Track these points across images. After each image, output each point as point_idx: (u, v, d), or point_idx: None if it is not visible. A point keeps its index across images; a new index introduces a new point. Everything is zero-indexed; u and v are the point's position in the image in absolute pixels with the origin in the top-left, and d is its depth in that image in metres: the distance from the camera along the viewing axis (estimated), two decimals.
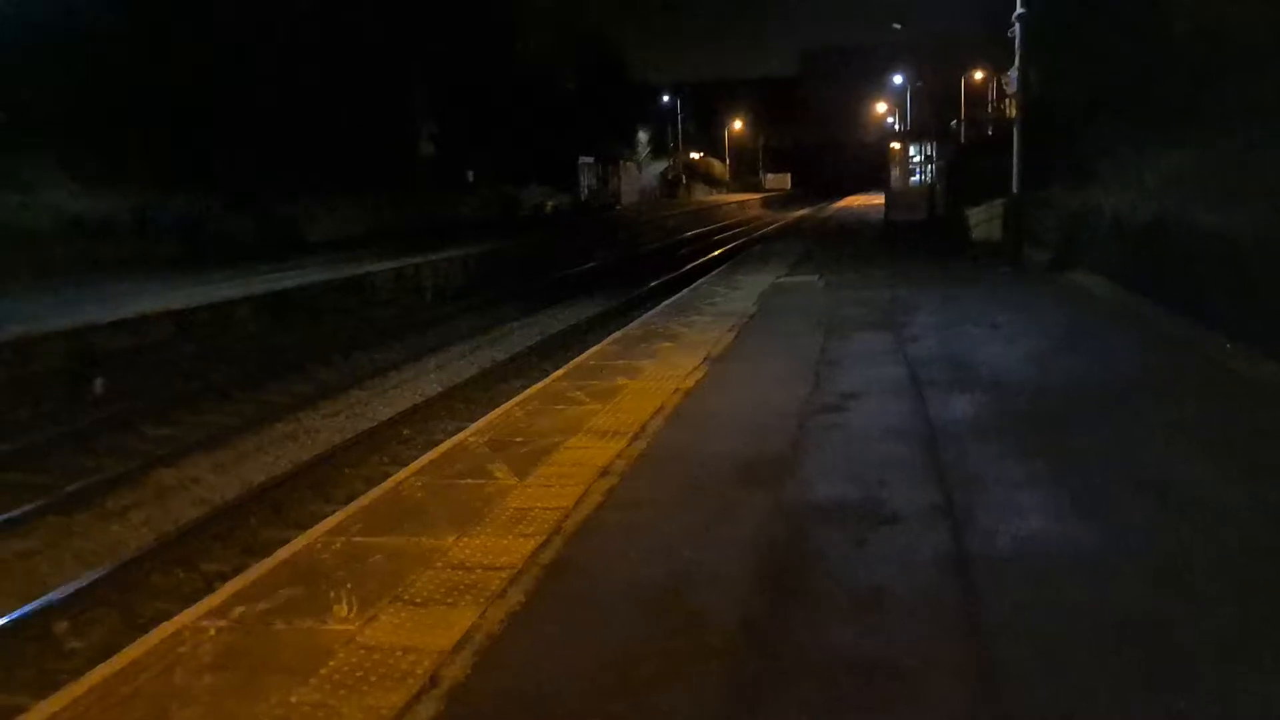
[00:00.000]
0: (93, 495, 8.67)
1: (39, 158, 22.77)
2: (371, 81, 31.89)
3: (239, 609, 4.25)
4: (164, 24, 25.65)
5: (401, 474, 6.23)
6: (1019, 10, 15.19)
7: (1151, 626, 3.68)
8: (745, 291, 14.94)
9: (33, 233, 20.75)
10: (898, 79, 56.92)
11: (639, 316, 13.72)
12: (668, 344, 10.45)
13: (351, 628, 4.01)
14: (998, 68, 41.07)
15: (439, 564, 4.63)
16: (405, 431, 10.69)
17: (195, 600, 6.52)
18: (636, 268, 27.43)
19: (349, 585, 4.43)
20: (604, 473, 5.92)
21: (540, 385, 8.79)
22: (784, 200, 77.59)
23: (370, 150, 32.02)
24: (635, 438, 6.68)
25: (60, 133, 22.99)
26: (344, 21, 30.79)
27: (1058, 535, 4.58)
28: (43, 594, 6.59)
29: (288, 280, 17.81)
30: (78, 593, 6.60)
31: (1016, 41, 15.41)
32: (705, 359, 9.45)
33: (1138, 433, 6.28)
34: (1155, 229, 10.88)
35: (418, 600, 4.25)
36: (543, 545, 4.80)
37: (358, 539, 5.03)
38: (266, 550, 7.46)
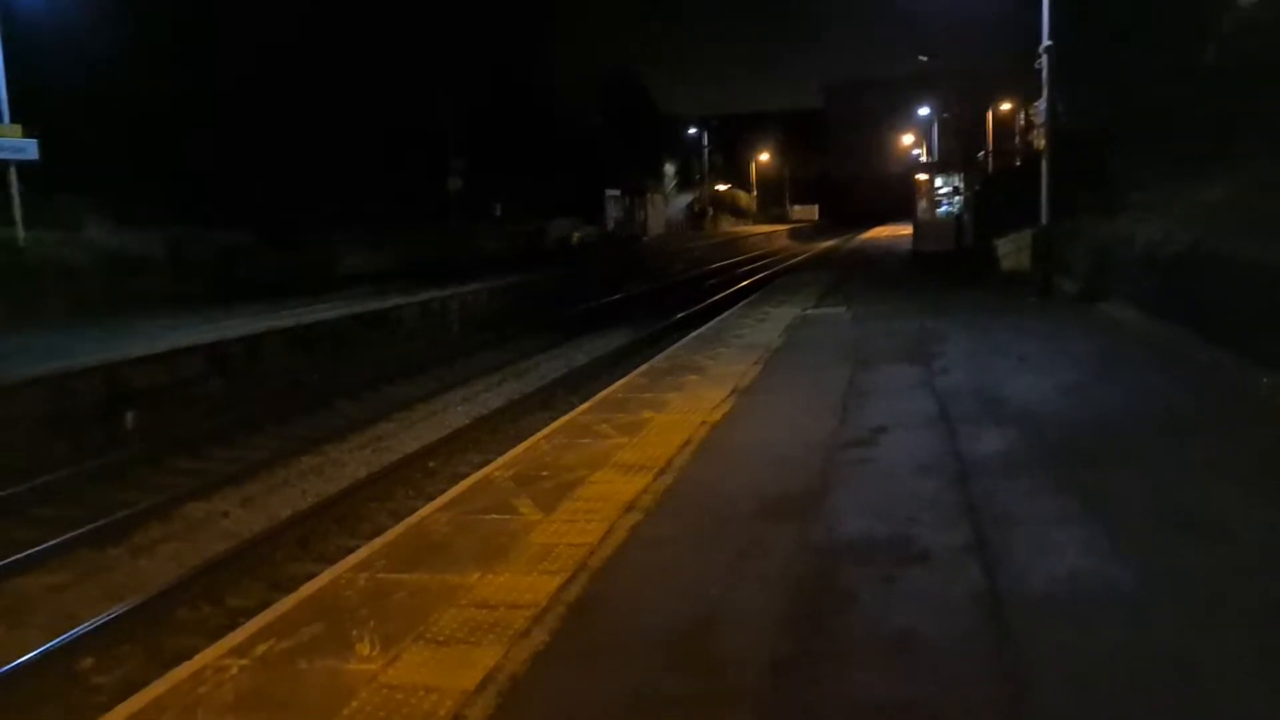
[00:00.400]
0: (123, 529, 8.73)
1: (78, 196, 23.21)
2: (401, 117, 32.34)
3: (262, 646, 4.24)
4: (202, 64, 26.18)
5: (426, 509, 6.21)
6: (1046, 42, 15.16)
7: (1191, 672, 3.57)
8: (772, 323, 14.89)
9: (70, 268, 21.07)
10: (923, 110, 56.92)
11: (665, 349, 13.68)
12: (694, 377, 10.41)
13: (374, 667, 3.97)
14: (1025, 99, 41.01)
15: (463, 601, 4.60)
16: (431, 464, 10.70)
17: (220, 636, 6.58)
18: (663, 299, 27.45)
19: (372, 623, 4.40)
20: (630, 508, 5.87)
21: (566, 418, 8.78)
22: (811, 231, 77.60)
23: (400, 185, 32.40)
24: (661, 472, 6.64)
25: (99, 171, 23.43)
26: (376, 58, 31.29)
27: (1093, 575, 4.47)
28: (70, 628, 6.61)
29: (317, 314, 17.96)
30: (104, 627, 6.62)
31: (1044, 72, 15.36)
32: (732, 392, 9.40)
33: (1173, 468, 6.14)
34: (1189, 259, 10.73)
35: (441, 639, 4.22)
36: (568, 583, 4.75)
37: (381, 575, 5.01)
38: (292, 585, 7.46)
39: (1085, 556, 4.69)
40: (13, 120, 19.27)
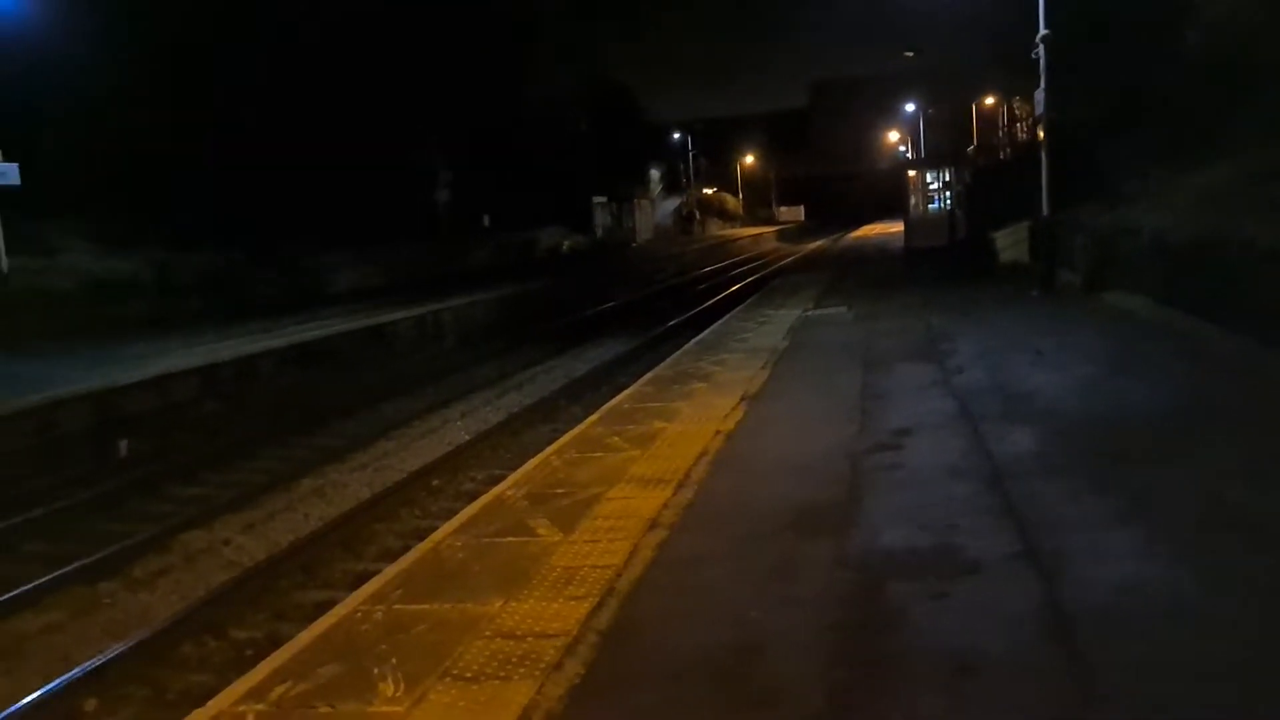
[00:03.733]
0: (120, 562, 8.41)
1: (62, 221, 22.86)
2: (388, 131, 32.05)
3: (278, 689, 3.96)
4: (186, 83, 25.85)
5: (439, 533, 5.93)
6: (1043, 32, 14.98)
7: None
8: (773, 326, 14.66)
9: (55, 295, 20.74)
10: (909, 107, 56.87)
11: (663, 355, 13.44)
12: (701, 384, 10.17)
13: (399, 709, 3.70)
14: (1007, 92, 40.96)
15: (487, 632, 4.33)
16: (435, 482, 10.43)
17: (226, 671, 6.29)
18: (656, 305, 27.23)
19: (393, 660, 4.12)
20: (653, 525, 5.62)
21: (575, 431, 8.51)
22: (799, 232, 77.57)
23: (388, 199, 32.10)
24: (680, 486, 6.38)
25: (83, 195, 23.09)
26: (361, 73, 31.01)
27: (1157, 583, 4.21)
28: (68, 670, 6.32)
29: (309, 332, 17.66)
30: (105, 667, 6.32)
31: (1041, 63, 15.18)
32: (742, 398, 9.15)
33: (1214, 464, 5.91)
34: (1203, 246, 10.53)
35: (468, 675, 3.95)
36: (596, 608, 4.49)
37: (399, 607, 4.73)
38: (298, 614, 7.21)
39: (1143, 563, 4.45)
40: None
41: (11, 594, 7.61)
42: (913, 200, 30.42)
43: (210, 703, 3.96)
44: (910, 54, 39.02)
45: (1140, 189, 15.07)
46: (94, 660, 6.40)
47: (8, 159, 18.95)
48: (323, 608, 6.79)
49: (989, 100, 47.07)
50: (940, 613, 4.10)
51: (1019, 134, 40.62)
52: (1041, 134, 16.06)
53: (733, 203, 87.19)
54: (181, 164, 25.38)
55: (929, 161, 36.73)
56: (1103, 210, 15.68)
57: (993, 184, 29.26)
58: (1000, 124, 45.51)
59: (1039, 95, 15.50)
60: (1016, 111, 41.18)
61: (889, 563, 4.73)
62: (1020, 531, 4.94)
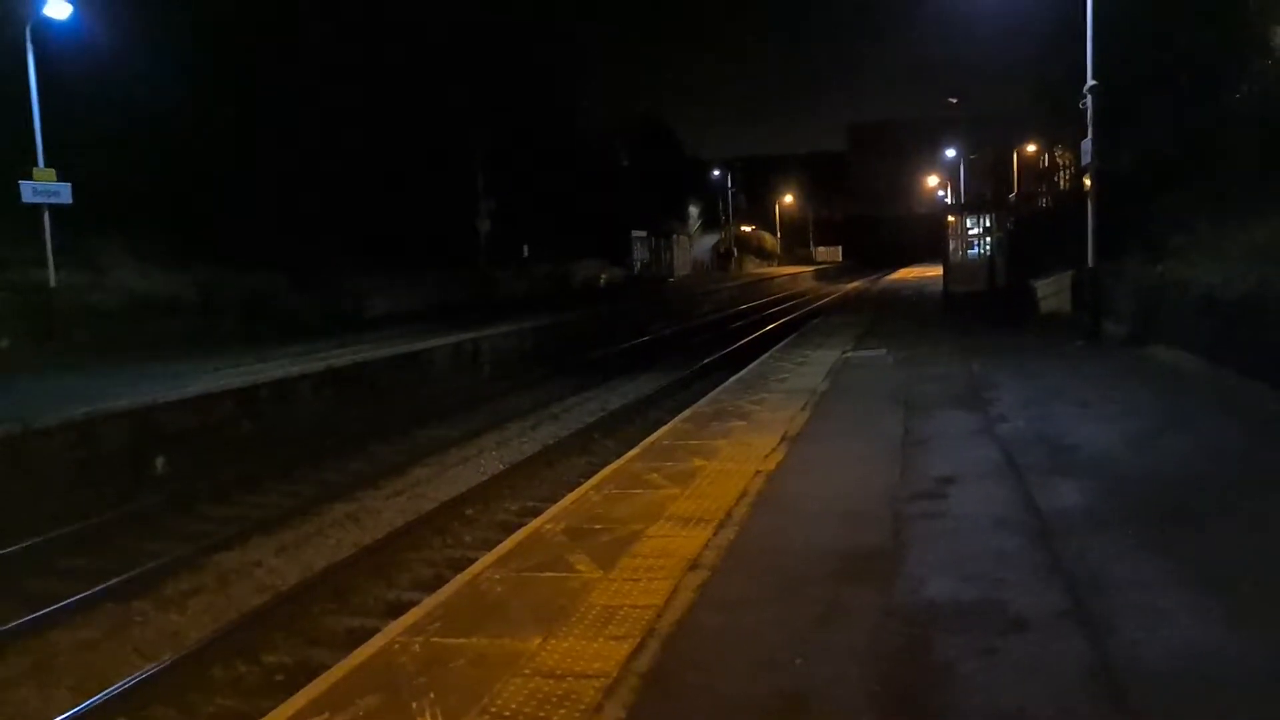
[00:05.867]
0: (153, 581, 8.44)
1: (109, 240, 23.28)
2: (432, 160, 32.47)
3: None
4: (231, 108, 26.37)
5: (478, 566, 5.89)
6: (1091, 82, 14.91)
7: None
8: (813, 367, 14.56)
9: (101, 312, 21.09)
10: (950, 152, 56.84)
11: (699, 392, 13.37)
12: (741, 423, 10.10)
13: None
14: (1050, 141, 40.80)
15: (526, 670, 4.27)
16: (469, 511, 10.39)
17: (256, 696, 6.27)
18: (692, 341, 27.23)
19: (432, 695, 4.08)
20: (693, 565, 5.55)
21: (614, 467, 8.46)
22: (836, 272, 77.47)
23: (429, 227, 32.45)
24: (721, 525, 6.31)
25: (130, 214, 23.52)
26: (407, 102, 31.50)
27: (1214, 648, 4.08)
28: (101, 689, 6.32)
29: (347, 357, 17.78)
30: (136, 688, 6.31)
31: (1089, 113, 15.09)
32: (783, 439, 9.07)
33: (1269, 525, 5.75)
34: (1256, 301, 10.34)
35: (507, 713, 3.89)
36: (637, 650, 4.42)
37: (437, 640, 4.69)
38: (330, 640, 7.18)
39: (1200, 628, 4.31)
40: (46, 164, 19.33)
41: (46, 610, 7.66)
42: (952, 245, 30.16)
43: None
44: (954, 100, 39.04)
45: (1188, 242, 14.87)
46: (126, 680, 6.40)
47: (59, 178, 19.39)
48: (355, 634, 6.79)
49: (1030, 148, 46.96)
50: (989, 670, 3.99)
51: (1061, 182, 40.45)
52: (1087, 183, 15.91)
53: (770, 241, 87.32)
54: (226, 186, 25.84)
55: (970, 207, 36.50)
56: (1149, 262, 15.48)
57: (1034, 232, 29.05)
58: (1040, 172, 45.35)
59: (1086, 145, 15.39)
60: (1059, 160, 41.04)
61: (935, 615, 4.62)
62: (1069, 589, 4.82)
